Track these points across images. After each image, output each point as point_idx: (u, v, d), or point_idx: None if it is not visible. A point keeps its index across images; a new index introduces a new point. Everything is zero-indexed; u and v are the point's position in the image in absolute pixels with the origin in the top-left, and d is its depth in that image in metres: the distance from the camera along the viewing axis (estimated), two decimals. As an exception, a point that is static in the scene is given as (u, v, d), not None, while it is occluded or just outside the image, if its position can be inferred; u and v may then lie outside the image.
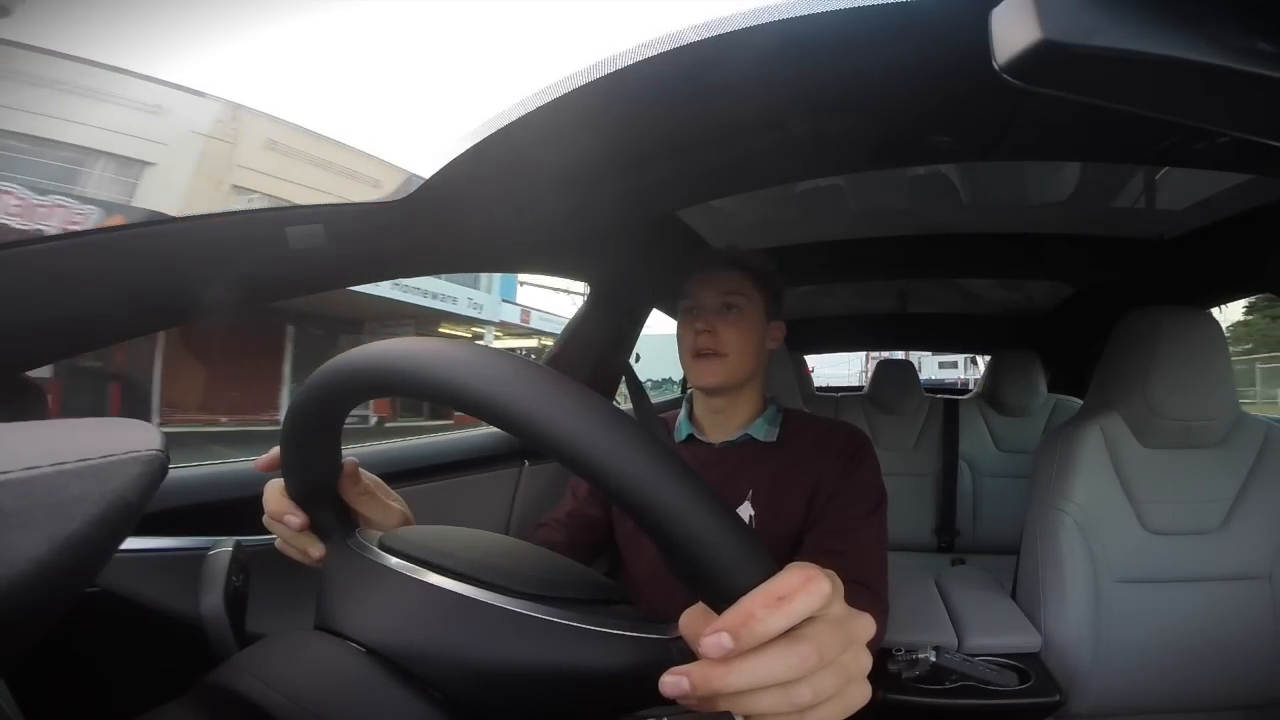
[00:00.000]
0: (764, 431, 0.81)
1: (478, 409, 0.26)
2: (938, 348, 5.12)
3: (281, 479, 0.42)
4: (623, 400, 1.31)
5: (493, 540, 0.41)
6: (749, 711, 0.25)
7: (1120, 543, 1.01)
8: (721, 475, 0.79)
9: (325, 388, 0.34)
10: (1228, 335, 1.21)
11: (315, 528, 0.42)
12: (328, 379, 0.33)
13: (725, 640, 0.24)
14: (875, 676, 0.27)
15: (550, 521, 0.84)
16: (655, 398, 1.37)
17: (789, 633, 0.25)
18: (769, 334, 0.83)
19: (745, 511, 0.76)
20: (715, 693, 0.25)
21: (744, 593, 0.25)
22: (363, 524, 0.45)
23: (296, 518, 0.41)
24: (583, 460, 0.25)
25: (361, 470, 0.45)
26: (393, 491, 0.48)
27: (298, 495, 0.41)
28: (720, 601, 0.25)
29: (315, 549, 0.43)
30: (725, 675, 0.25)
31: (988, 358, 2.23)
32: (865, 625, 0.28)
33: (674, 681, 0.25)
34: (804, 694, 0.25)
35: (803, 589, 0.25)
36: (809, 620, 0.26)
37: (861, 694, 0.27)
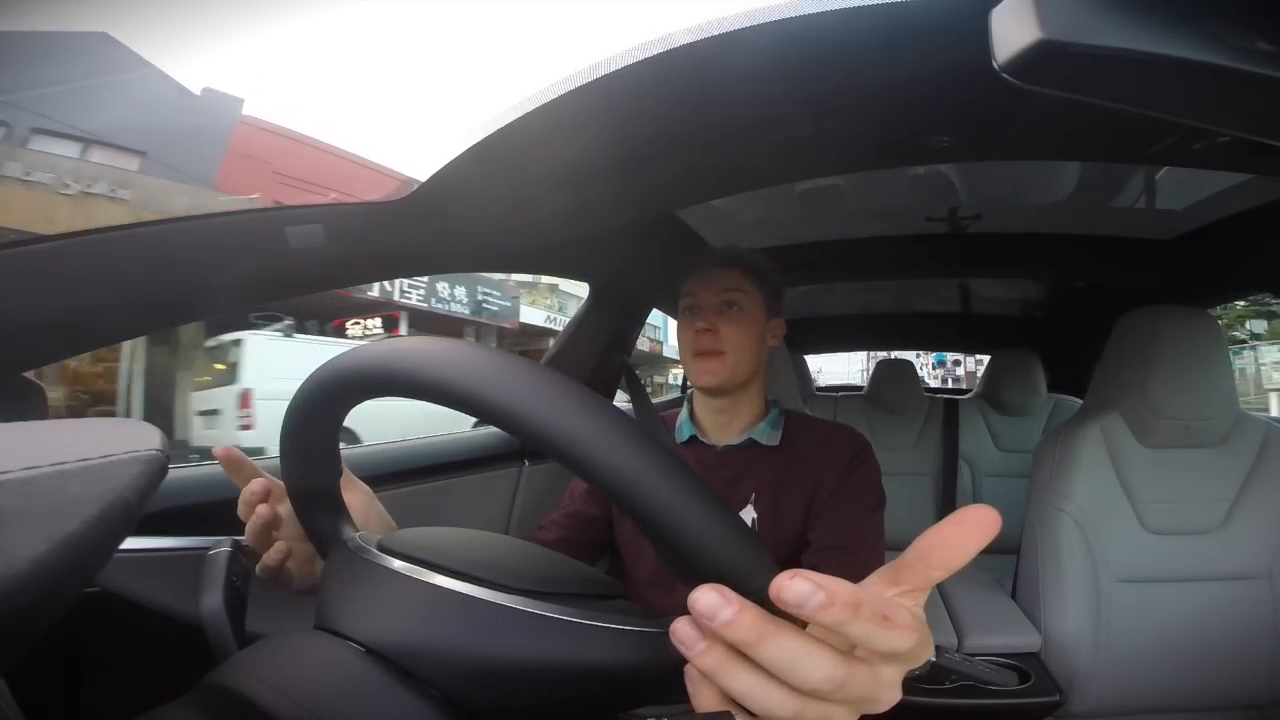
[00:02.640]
0: (767, 435, 0.81)
1: (472, 406, 0.27)
2: (938, 347, 5.12)
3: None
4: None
5: (489, 539, 0.41)
6: (743, 690, 0.23)
7: (1120, 542, 1.01)
8: (725, 479, 0.79)
9: (323, 390, 0.34)
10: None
11: (316, 534, 0.42)
12: (325, 381, 0.34)
13: (820, 596, 0.21)
14: None
15: (548, 523, 0.84)
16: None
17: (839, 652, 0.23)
18: (769, 332, 0.84)
19: (748, 515, 0.77)
20: (746, 646, 0.22)
21: (740, 582, 0.24)
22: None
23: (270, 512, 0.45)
24: (578, 454, 0.25)
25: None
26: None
27: (298, 500, 0.41)
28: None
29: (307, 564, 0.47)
30: (771, 636, 0.22)
31: (935, 358, 2.24)
32: (890, 697, 0.26)
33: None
34: (773, 700, 0.23)
35: (902, 630, 0.23)
36: (860, 660, 0.24)
37: None
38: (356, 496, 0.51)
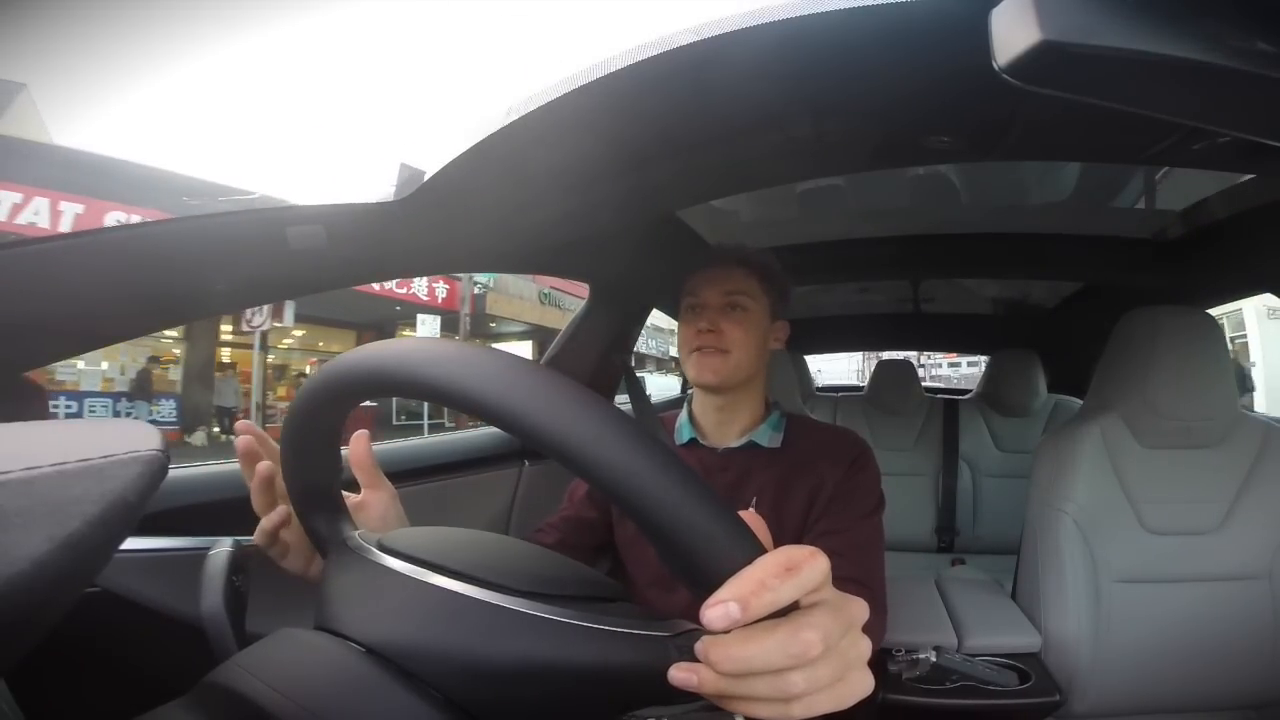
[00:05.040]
0: (768, 437, 0.80)
1: (466, 405, 0.27)
2: (938, 348, 5.12)
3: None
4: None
5: (491, 540, 0.42)
6: (737, 694, 0.25)
7: (1120, 542, 1.01)
8: (727, 481, 0.79)
9: (323, 391, 0.34)
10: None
11: (314, 533, 0.42)
12: (325, 382, 0.34)
13: (733, 610, 0.23)
14: (875, 676, 0.27)
15: (545, 526, 0.84)
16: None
17: (793, 617, 0.25)
18: (772, 333, 0.83)
19: None
20: (713, 669, 0.25)
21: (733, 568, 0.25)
22: (355, 510, 0.48)
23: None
24: (569, 450, 0.25)
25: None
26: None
27: (297, 499, 0.41)
28: (712, 591, 0.25)
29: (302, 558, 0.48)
30: (727, 652, 0.24)
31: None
32: (861, 608, 0.28)
33: (684, 677, 0.25)
34: (796, 682, 0.24)
35: (809, 561, 0.25)
36: (811, 606, 0.25)
37: (863, 683, 0.26)
38: (378, 495, 0.52)
